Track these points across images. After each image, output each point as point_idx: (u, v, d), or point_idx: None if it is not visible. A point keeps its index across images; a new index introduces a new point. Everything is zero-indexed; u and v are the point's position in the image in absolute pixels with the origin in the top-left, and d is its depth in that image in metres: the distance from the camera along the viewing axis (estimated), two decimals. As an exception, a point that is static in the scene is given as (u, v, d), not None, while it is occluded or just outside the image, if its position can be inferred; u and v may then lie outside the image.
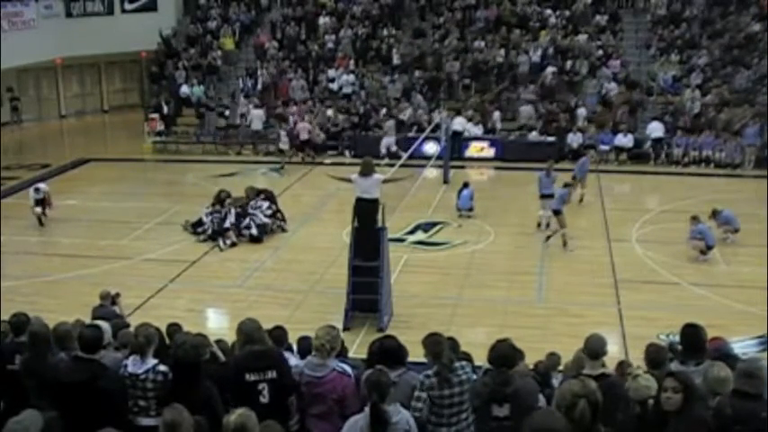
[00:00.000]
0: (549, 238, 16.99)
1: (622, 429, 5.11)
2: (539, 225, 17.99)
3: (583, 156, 21.62)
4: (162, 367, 5.85)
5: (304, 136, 24.83)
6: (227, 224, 17.51)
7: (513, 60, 27.76)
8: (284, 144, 24.68)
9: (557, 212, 16.87)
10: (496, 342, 5.89)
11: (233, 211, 17.81)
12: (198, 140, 26.78)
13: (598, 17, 29.00)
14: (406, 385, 5.79)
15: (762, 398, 4.84)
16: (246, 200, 18.36)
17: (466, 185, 19.32)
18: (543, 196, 17.95)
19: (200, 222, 17.96)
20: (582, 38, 28.06)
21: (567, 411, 4.27)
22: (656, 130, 24.40)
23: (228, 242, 17.27)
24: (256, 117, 26.53)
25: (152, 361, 5.90)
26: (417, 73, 27.75)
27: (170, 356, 5.99)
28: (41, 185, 19.36)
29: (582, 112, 25.63)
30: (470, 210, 18.98)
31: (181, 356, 5.67)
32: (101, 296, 11.16)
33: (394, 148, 23.90)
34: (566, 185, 17.53)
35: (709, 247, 15.97)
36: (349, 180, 13.47)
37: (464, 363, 5.91)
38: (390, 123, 25.51)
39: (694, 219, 16.19)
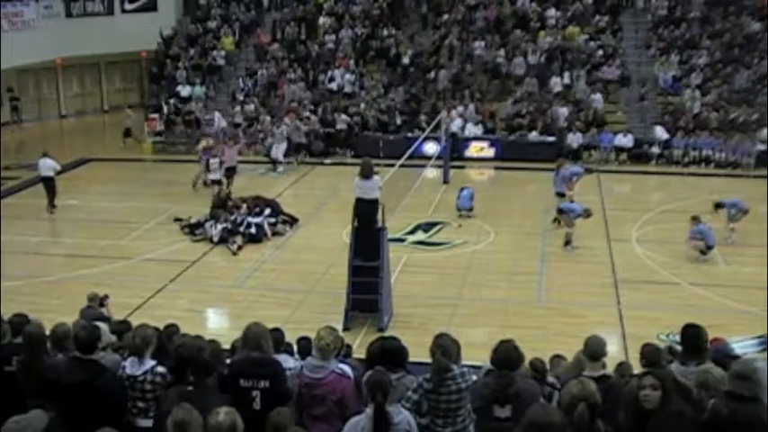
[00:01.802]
0: (567, 243, 16.87)
1: (624, 428, 5.09)
2: (554, 221, 18.13)
3: (578, 160, 21.92)
4: (160, 368, 5.82)
5: (230, 163, 21.27)
6: (242, 229, 17.50)
7: (504, 62, 27.76)
8: (215, 174, 20.58)
9: (560, 211, 16.98)
10: (500, 343, 5.87)
11: (244, 208, 17.93)
12: (198, 140, 26.69)
13: (598, 17, 28.98)
14: (404, 389, 5.76)
15: (758, 400, 4.73)
16: (248, 206, 18.36)
17: (465, 188, 19.39)
18: (557, 194, 18.26)
19: (198, 225, 17.93)
20: (581, 38, 28.07)
21: (566, 413, 4.29)
22: (662, 134, 24.41)
23: (236, 245, 17.24)
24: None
25: (150, 362, 5.87)
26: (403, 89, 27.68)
27: (170, 357, 5.97)
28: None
29: (563, 112, 25.61)
30: (470, 210, 18.99)
31: (185, 355, 5.65)
32: (88, 298, 11.06)
33: (281, 158, 23.96)
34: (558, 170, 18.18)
35: (710, 247, 15.97)
36: None
37: (465, 370, 5.86)
38: (281, 130, 24.62)
39: (694, 219, 16.19)
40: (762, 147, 23.50)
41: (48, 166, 19.89)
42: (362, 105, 26.73)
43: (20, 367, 6.08)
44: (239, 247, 17.13)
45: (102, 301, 11.06)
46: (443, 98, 26.61)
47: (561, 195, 18.24)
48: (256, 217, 17.89)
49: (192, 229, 17.93)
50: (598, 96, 25.86)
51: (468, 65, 27.88)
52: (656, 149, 24.35)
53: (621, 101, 26.50)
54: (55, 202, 19.89)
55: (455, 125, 24.95)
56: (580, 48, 27.72)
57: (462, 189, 19.34)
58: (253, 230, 17.54)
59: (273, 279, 15.65)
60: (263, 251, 17.12)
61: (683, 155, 24.15)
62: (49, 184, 19.93)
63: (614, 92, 26.65)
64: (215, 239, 17.40)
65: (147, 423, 5.72)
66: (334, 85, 28.18)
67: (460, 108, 25.97)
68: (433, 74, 27.67)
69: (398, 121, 25.97)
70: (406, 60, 28.29)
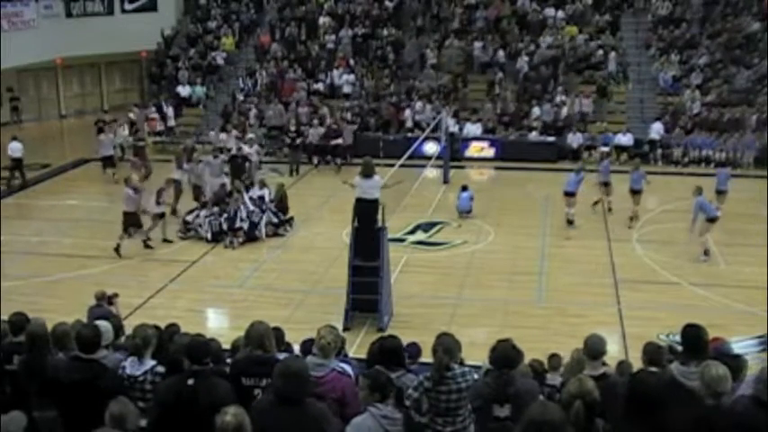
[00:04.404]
0: (632, 219, 18.29)
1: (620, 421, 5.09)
2: (569, 222, 18.34)
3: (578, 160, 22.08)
4: (160, 368, 5.81)
5: (130, 208, 16.74)
6: (237, 224, 17.46)
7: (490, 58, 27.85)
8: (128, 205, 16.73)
9: (638, 192, 18.30)
10: (498, 342, 5.87)
11: (242, 207, 17.77)
12: (198, 141, 26.69)
13: (597, 17, 28.98)
14: (404, 388, 5.76)
15: None
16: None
17: (465, 189, 19.39)
18: (567, 194, 18.39)
19: (193, 220, 17.93)
20: (581, 38, 28.09)
21: (564, 410, 4.29)
22: (655, 131, 24.40)
23: (240, 240, 17.25)
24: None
25: (150, 362, 5.86)
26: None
27: (170, 356, 5.96)
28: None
29: (536, 111, 25.61)
30: (469, 212, 19.00)
31: (191, 352, 5.66)
32: (96, 296, 11.10)
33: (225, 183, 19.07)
34: (579, 171, 18.68)
35: (711, 220, 15.90)
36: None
37: (467, 370, 5.86)
38: (218, 165, 19.66)
39: (698, 188, 16.15)
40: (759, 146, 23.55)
41: (17, 148, 22.39)
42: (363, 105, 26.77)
43: (22, 366, 6.08)
44: (240, 243, 17.19)
45: (110, 300, 11.09)
46: (439, 98, 26.65)
47: (569, 195, 18.32)
48: (256, 216, 17.82)
49: (186, 225, 17.91)
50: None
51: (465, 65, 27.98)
52: (646, 148, 24.34)
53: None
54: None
55: (450, 124, 24.98)
56: (579, 48, 27.70)
57: (462, 191, 19.34)
58: (245, 226, 17.47)
59: (273, 279, 15.65)
60: (263, 251, 17.12)
61: (683, 154, 24.18)
62: (18, 164, 22.42)
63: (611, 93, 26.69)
64: (208, 238, 17.41)
65: (148, 424, 5.71)
66: (319, 85, 28.08)
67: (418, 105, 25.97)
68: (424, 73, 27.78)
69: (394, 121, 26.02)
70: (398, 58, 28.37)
